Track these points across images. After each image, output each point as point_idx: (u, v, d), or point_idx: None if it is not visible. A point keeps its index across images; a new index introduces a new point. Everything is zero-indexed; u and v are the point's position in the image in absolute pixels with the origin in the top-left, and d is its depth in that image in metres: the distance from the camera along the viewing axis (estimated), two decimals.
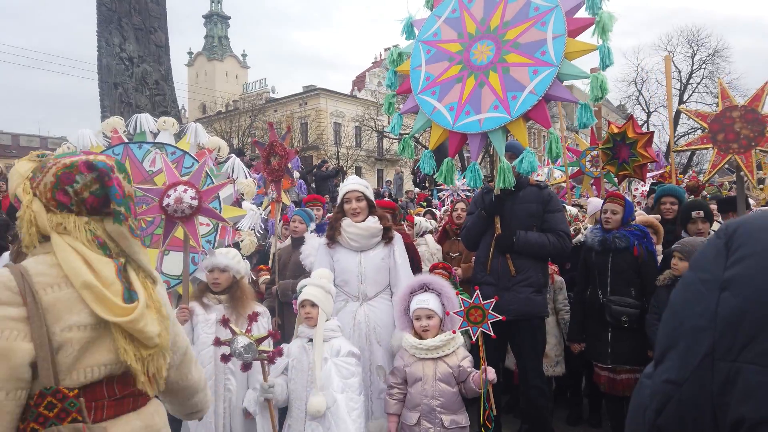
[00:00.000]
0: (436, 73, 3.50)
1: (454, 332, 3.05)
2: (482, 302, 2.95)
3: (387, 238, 3.66)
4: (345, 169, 31.00)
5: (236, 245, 4.23)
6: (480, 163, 3.48)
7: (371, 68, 53.31)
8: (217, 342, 2.88)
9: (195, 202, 3.33)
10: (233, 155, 4.56)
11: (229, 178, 4.45)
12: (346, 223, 3.65)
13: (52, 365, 1.36)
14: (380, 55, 60.32)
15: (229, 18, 72.96)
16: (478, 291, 2.97)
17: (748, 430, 0.65)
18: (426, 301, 3.12)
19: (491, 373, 2.94)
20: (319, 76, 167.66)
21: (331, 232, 3.72)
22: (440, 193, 10.17)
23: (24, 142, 62.97)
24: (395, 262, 3.65)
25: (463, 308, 2.98)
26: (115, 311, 1.44)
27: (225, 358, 2.89)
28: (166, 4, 10.82)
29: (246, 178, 4.52)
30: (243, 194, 4.45)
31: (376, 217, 3.66)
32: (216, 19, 71.22)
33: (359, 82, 52.87)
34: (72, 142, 4.12)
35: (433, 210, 7.86)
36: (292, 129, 5.89)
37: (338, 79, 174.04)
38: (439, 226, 6.39)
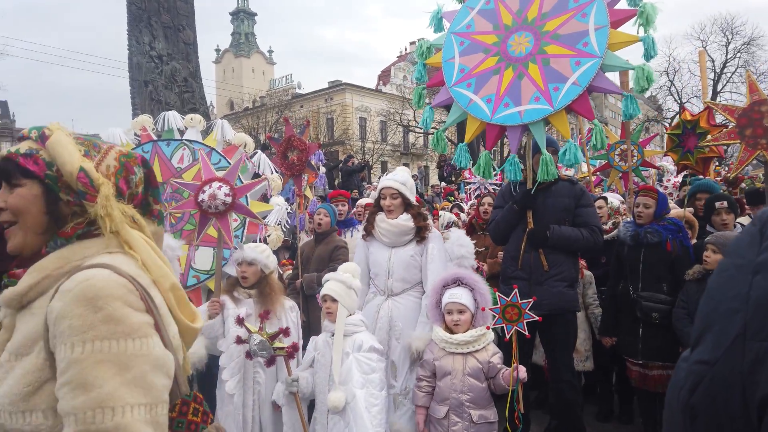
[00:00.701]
0: (471, 65, 3.44)
1: (488, 328, 3.03)
2: (519, 301, 2.91)
3: (419, 236, 3.63)
4: (371, 163, 31.01)
5: (264, 240, 4.28)
6: (517, 153, 3.43)
7: (396, 62, 53.19)
8: (238, 341, 3.03)
9: (229, 199, 3.37)
10: (259, 151, 4.60)
11: (258, 173, 4.50)
12: (380, 218, 3.68)
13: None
14: (405, 49, 60.11)
15: (256, 14, 73.63)
16: (516, 290, 2.93)
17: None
18: (458, 295, 3.09)
19: (522, 372, 2.91)
20: (344, 71, 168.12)
21: (368, 226, 3.78)
22: (467, 187, 10.10)
23: None
24: (426, 260, 3.62)
25: (499, 305, 2.95)
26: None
27: (248, 355, 3.04)
28: (194, 2, 10.95)
29: (272, 173, 4.56)
30: (270, 189, 4.49)
31: (410, 215, 3.63)
32: (243, 16, 71.92)
33: (384, 76, 52.77)
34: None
35: (461, 204, 7.81)
36: (310, 123, 5.89)
37: (363, 74, 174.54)
38: (467, 219, 6.35)
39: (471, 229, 5.45)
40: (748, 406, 0.70)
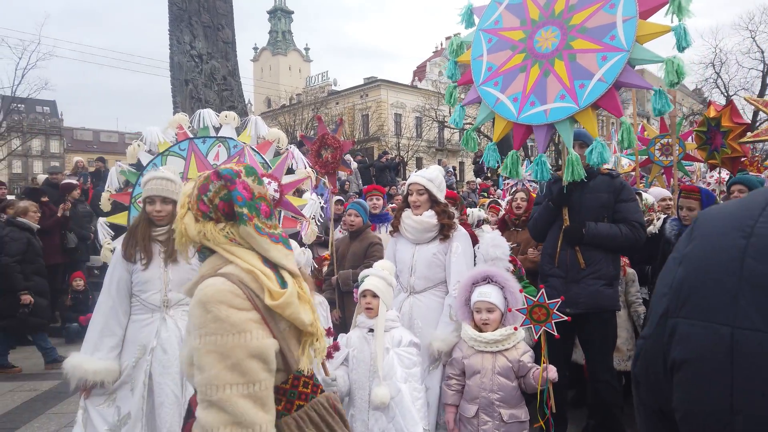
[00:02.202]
0: (498, 63, 3.38)
1: (515, 329, 2.97)
2: (547, 301, 2.84)
3: (443, 234, 3.58)
4: (405, 160, 30.97)
5: (296, 234, 4.32)
6: (545, 152, 3.38)
7: (432, 58, 52.89)
8: None
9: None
10: (292, 146, 4.64)
11: (292, 169, 4.55)
12: (405, 214, 3.68)
13: (291, 354, 1.64)
14: (441, 44, 59.72)
15: (293, 13, 74.34)
16: (543, 290, 2.86)
17: (675, 369, 0.85)
18: (487, 293, 3.04)
19: (552, 372, 2.85)
20: (378, 67, 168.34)
21: (395, 222, 3.79)
22: (506, 181, 9.98)
23: (104, 138, 67.13)
24: (450, 259, 3.56)
25: (526, 306, 2.89)
26: (273, 296, 1.59)
27: None
28: (232, 1, 11.13)
29: (305, 168, 4.60)
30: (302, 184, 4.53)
31: (434, 212, 3.59)
32: (280, 15, 72.75)
33: (419, 72, 52.60)
34: (141, 140, 4.33)
35: (498, 200, 7.72)
36: (344, 121, 5.93)
37: (397, 70, 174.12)
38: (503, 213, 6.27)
39: (504, 225, 5.39)
40: (666, 375, 0.88)
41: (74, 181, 9.05)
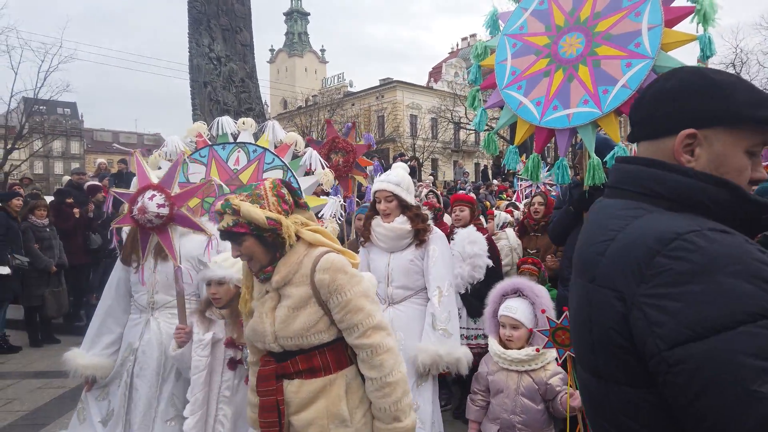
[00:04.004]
0: (522, 68, 3.38)
1: (537, 351, 2.77)
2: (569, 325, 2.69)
3: (419, 239, 3.41)
4: (421, 161, 30.93)
5: None
6: (565, 155, 3.36)
7: (448, 59, 52.78)
8: (232, 365, 2.81)
9: (164, 211, 2.90)
10: (310, 148, 4.69)
11: (311, 171, 4.57)
12: (375, 222, 3.51)
13: None
14: (457, 46, 59.58)
15: (309, 14, 74.68)
16: (566, 312, 2.67)
17: None
18: (514, 309, 2.84)
19: (577, 400, 2.60)
20: (394, 68, 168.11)
21: (365, 232, 3.59)
22: (520, 183, 9.92)
23: (123, 139, 68.03)
24: (428, 263, 3.38)
25: (549, 327, 2.67)
26: (354, 258, 2.22)
27: (232, 364, 2.81)
28: (250, 4, 11.22)
29: (323, 168, 4.63)
30: (321, 184, 4.58)
31: (406, 218, 3.42)
32: (296, 16, 73.13)
33: (435, 73, 52.52)
34: (163, 149, 4.43)
35: (516, 203, 7.69)
36: (356, 125, 5.95)
37: (413, 71, 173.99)
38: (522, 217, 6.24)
39: (523, 230, 5.36)
40: None
41: (98, 183, 9.21)
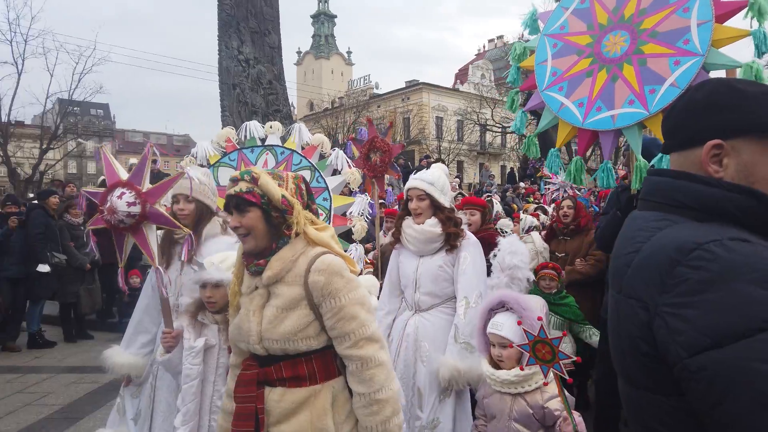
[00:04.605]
0: (564, 68, 3.31)
1: (521, 369, 2.47)
2: (549, 337, 2.20)
3: (450, 244, 3.18)
4: (446, 163, 30.82)
5: (348, 231, 4.37)
6: (609, 158, 3.25)
7: (474, 60, 52.50)
8: None
9: (135, 209, 2.67)
10: (336, 148, 4.73)
11: (338, 170, 4.62)
12: (406, 223, 3.29)
13: None
14: (483, 47, 59.23)
15: (335, 17, 75.12)
16: (542, 321, 2.25)
17: None
18: (500, 325, 2.53)
19: (569, 426, 2.32)
20: (420, 70, 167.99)
21: (396, 233, 3.39)
22: (547, 187, 9.80)
23: (153, 140, 68.99)
24: (458, 271, 3.15)
25: (527, 341, 2.26)
26: (353, 265, 2.07)
27: None
28: (279, 7, 11.33)
29: (350, 168, 4.67)
30: (349, 183, 4.61)
31: (438, 220, 3.19)
32: (323, 19, 73.66)
33: (462, 75, 52.29)
34: (192, 154, 4.55)
35: (545, 206, 7.59)
36: (394, 124, 5.96)
37: (438, 73, 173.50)
38: (548, 222, 6.16)
39: (552, 234, 5.29)
40: None
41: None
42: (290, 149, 4.52)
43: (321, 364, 1.95)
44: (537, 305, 2.74)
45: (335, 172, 4.66)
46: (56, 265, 7.16)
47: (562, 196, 6.31)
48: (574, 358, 2.22)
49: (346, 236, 4.42)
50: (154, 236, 2.80)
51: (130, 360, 3.09)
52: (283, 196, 1.91)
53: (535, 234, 5.44)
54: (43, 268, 7.06)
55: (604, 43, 3.18)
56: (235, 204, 1.91)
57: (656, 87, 2.90)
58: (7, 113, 24.17)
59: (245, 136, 4.63)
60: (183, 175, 3.03)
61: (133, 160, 13.53)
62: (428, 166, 11.82)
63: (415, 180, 3.28)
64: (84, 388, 5.62)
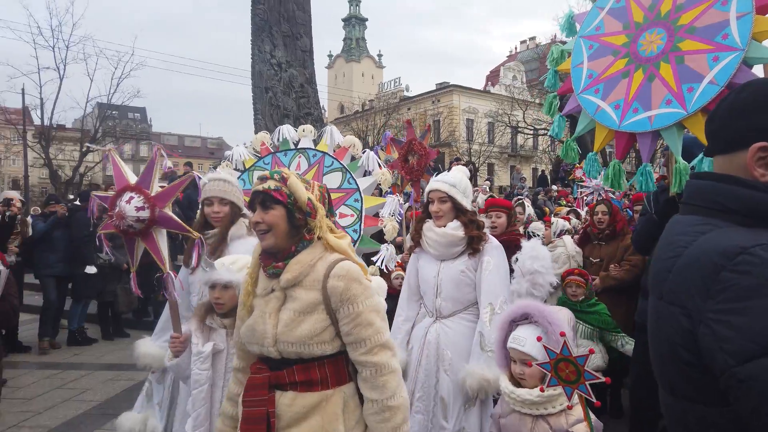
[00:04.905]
0: (599, 70, 3.23)
1: (541, 390, 2.24)
2: (573, 354, 1.99)
3: (472, 248, 3.07)
4: (477, 165, 30.61)
5: (380, 232, 4.38)
6: (649, 161, 3.15)
7: (506, 62, 52.05)
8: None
9: (144, 213, 2.64)
10: (367, 150, 4.77)
11: (369, 171, 4.64)
12: (426, 226, 3.20)
13: None
14: (515, 49, 58.68)
15: (366, 20, 75.50)
16: (565, 338, 2.04)
17: None
18: (522, 340, 2.31)
19: None
20: (451, 72, 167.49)
21: (416, 236, 3.29)
22: (580, 191, 9.63)
23: (188, 142, 70.91)
24: (481, 276, 3.04)
25: (549, 359, 2.03)
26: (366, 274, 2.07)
27: None
28: (311, 11, 11.45)
29: (381, 169, 4.69)
30: (380, 184, 4.63)
31: (460, 223, 3.09)
32: (354, 22, 74.13)
33: (493, 77, 51.91)
34: (228, 159, 4.69)
35: (577, 210, 7.45)
36: (431, 129, 5.95)
37: (468, 75, 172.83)
38: (581, 227, 6.04)
39: (586, 239, 5.19)
40: None
41: (166, 185, 9.63)
42: (322, 152, 4.57)
43: (333, 369, 1.96)
44: (564, 318, 2.51)
45: (366, 174, 4.68)
46: (102, 265, 7.38)
47: (596, 200, 6.18)
48: (603, 379, 1.99)
49: (378, 236, 4.43)
50: (164, 241, 2.77)
51: (152, 350, 3.17)
52: (309, 198, 1.95)
53: (567, 238, 5.34)
54: (91, 269, 7.28)
55: (640, 42, 3.08)
56: (261, 200, 1.93)
57: (694, 85, 2.79)
58: (50, 117, 25.08)
59: (279, 140, 4.72)
60: (191, 178, 3.03)
61: (168, 163, 13.88)
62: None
63: (437, 182, 3.20)
64: (121, 385, 5.76)
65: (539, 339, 2.19)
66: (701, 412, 1.07)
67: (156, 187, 2.76)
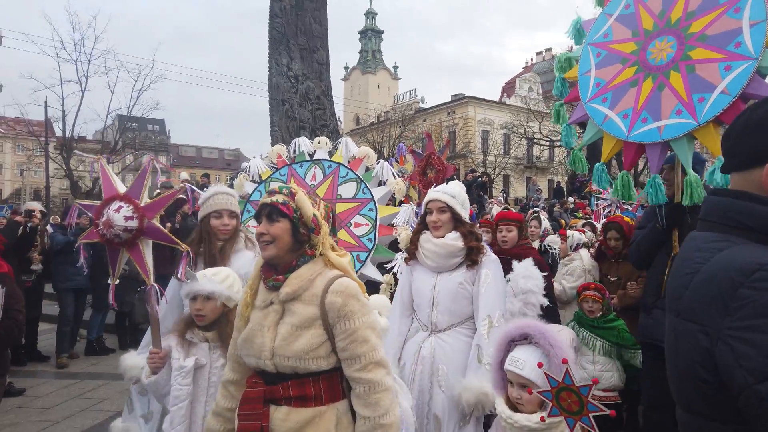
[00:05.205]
0: (607, 78, 3.17)
1: (542, 419, 2.05)
2: (576, 384, 1.88)
3: (471, 260, 3.02)
4: (492, 177, 30.51)
5: (395, 241, 4.38)
6: (659, 173, 3.06)
7: (521, 74, 52.01)
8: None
9: (133, 223, 2.60)
10: (382, 160, 4.79)
11: (383, 181, 4.66)
12: (424, 237, 3.14)
13: None
14: (531, 60, 58.62)
15: (382, 32, 76.02)
16: (567, 366, 1.92)
17: None
18: (521, 363, 2.12)
19: None
20: (465, 84, 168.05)
21: (411, 246, 3.23)
22: (598, 203, 9.51)
23: (206, 154, 71.72)
24: (479, 289, 2.98)
25: (550, 388, 1.92)
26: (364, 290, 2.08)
27: None
28: (327, 24, 11.56)
29: (395, 178, 4.71)
30: (395, 193, 4.65)
31: (459, 234, 3.05)
32: (370, 34, 74.68)
33: (509, 88, 51.86)
34: (245, 171, 4.76)
35: (594, 222, 7.35)
36: (450, 143, 5.95)
37: (484, 86, 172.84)
38: (595, 240, 5.93)
39: (600, 254, 5.07)
40: None
41: (183, 197, 9.74)
42: (337, 162, 4.61)
43: (327, 385, 1.97)
44: (566, 340, 2.34)
45: (380, 184, 4.71)
46: (122, 276, 7.43)
47: (613, 211, 6.08)
48: (607, 411, 1.85)
49: (393, 245, 4.44)
50: (150, 252, 2.72)
51: (141, 362, 3.04)
52: (314, 215, 1.98)
53: (583, 251, 5.23)
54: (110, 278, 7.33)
55: (649, 50, 3.03)
56: (268, 212, 1.97)
57: (706, 95, 2.73)
58: (71, 129, 25.56)
59: (295, 152, 4.77)
60: (183, 189, 3.03)
61: (185, 175, 14.04)
62: (474, 180, 11.57)
63: (436, 192, 3.16)
64: None
65: (540, 365, 2.03)
66: (717, 430, 1.06)
67: (146, 197, 2.73)
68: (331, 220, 2.10)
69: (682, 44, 2.89)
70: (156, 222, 2.70)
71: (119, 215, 2.57)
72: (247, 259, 3.10)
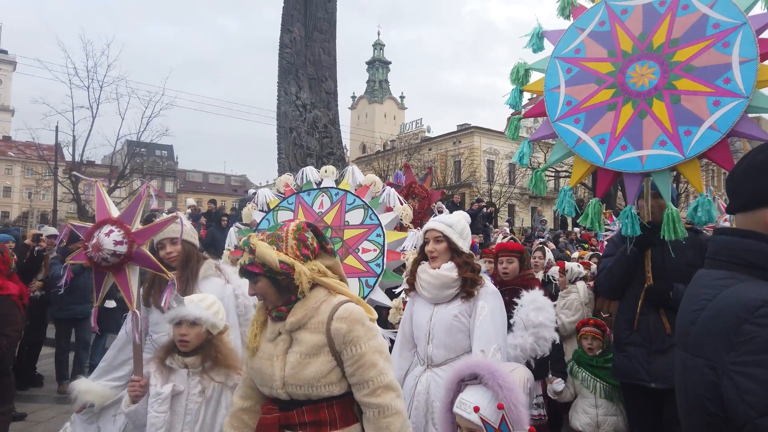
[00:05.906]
0: (581, 98, 3.00)
1: None
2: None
3: (466, 291, 2.90)
4: (497, 206, 30.55)
5: (403, 265, 4.39)
6: (634, 203, 2.94)
7: (527, 105, 52.44)
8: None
9: (122, 248, 2.59)
10: (387, 187, 4.84)
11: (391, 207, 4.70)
12: (421, 268, 3.05)
13: None
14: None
15: (390, 63, 77.26)
16: (503, 413, 1.79)
17: None
18: (467, 405, 1.90)
19: None
20: (471, 114, 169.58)
21: (410, 278, 3.15)
22: (605, 233, 9.46)
23: (212, 180, 72.34)
24: (474, 322, 2.85)
25: None
26: (372, 314, 2.10)
27: None
28: (336, 54, 11.79)
29: (401, 204, 4.75)
30: (401, 219, 4.69)
31: (454, 264, 2.94)
32: (378, 65, 75.94)
33: None
34: (253, 200, 4.84)
35: (600, 254, 7.31)
36: (433, 170, 5.97)
37: (489, 117, 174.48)
38: (590, 275, 5.84)
39: (596, 291, 4.98)
40: None
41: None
42: (344, 190, 4.66)
43: (341, 410, 2.00)
44: (519, 380, 2.16)
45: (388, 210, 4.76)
46: (120, 299, 7.41)
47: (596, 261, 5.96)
48: None
49: (401, 270, 4.47)
50: (136, 278, 2.71)
51: (96, 388, 3.02)
52: (281, 261, 1.95)
53: (580, 284, 5.04)
54: (110, 303, 7.32)
55: (629, 74, 2.91)
56: (245, 275, 2.03)
57: (693, 128, 2.65)
58: (80, 153, 25.86)
59: (302, 180, 4.84)
60: (176, 219, 3.03)
61: (191, 201, 14.14)
62: (479, 210, 11.56)
63: (434, 222, 3.09)
64: None
65: (477, 409, 1.85)
66: None
67: (137, 224, 2.75)
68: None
69: (666, 72, 2.80)
70: (145, 249, 2.70)
71: (109, 239, 2.58)
72: (216, 286, 3.13)
